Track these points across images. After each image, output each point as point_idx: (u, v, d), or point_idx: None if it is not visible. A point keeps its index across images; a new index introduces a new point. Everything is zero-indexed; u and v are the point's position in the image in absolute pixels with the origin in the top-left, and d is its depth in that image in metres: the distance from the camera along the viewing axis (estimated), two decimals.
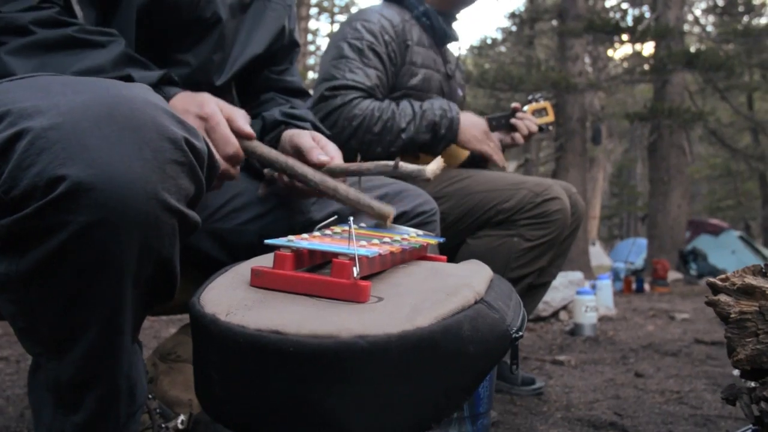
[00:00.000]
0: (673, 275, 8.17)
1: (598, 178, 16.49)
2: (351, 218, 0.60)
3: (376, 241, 0.66)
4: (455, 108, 1.67)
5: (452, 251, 1.65)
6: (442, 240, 0.83)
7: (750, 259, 9.62)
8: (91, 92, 0.58)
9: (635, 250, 10.64)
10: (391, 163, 0.84)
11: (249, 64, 1.09)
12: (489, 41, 17.25)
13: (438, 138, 1.64)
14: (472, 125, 1.69)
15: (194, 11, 0.95)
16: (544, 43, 12.50)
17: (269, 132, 1.06)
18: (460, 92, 1.94)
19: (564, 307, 3.38)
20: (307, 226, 1.05)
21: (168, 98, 0.81)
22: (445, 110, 1.65)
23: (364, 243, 0.61)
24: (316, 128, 1.09)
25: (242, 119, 0.85)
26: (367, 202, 0.79)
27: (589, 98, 9.48)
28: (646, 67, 10.28)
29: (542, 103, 1.86)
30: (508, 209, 1.61)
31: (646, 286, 6.95)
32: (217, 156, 0.79)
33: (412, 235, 0.79)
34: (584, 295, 2.86)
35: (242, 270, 0.61)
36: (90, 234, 0.55)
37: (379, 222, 0.81)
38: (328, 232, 0.73)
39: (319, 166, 0.90)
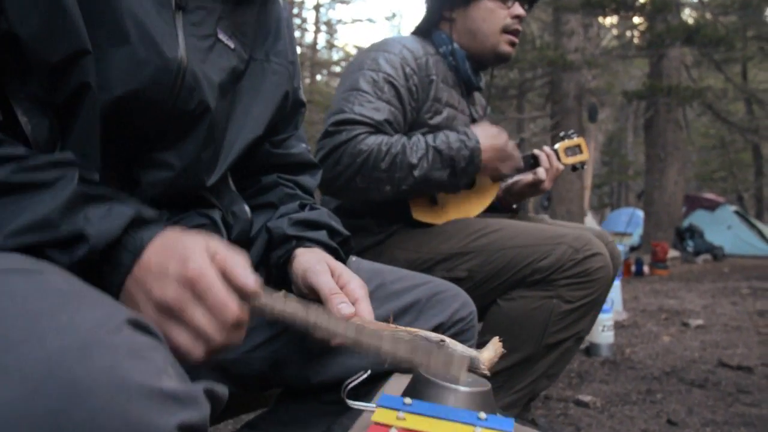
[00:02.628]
0: (671, 253, 8.10)
1: (590, 148, 16.34)
2: None
3: None
4: (474, 136, 1.47)
5: (481, 312, 1.47)
6: (487, 377, 0.66)
7: (746, 234, 9.59)
8: (24, 376, 0.38)
9: (634, 221, 10.51)
10: (436, 338, 0.67)
11: (247, 150, 0.88)
12: None
13: (457, 174, 1.45)
14: (494, 156, 1.50)
15: (174, 105, 0.72)
16: (537, 16, 12.16)
17: (277, 248, 0.86)
18: None
19: None
20: (325, 348, 0.87)
21: (139, 250, 0.59)
22: (463, 141, 1.45)
23: None
24: (332, 232, 0.90)
25: (243, 270, 0.60)
26: (422, 359, 0.60)
27: (583, 72, 9.25)
28: (637, 35, 9.99)
29: (575, 140, 1.69)
30: (545, 268, 1.41)
31: (646, 269, 6.87)
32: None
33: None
34: (601, 314, 2.72)
35: None
36: None
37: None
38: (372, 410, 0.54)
39: None
